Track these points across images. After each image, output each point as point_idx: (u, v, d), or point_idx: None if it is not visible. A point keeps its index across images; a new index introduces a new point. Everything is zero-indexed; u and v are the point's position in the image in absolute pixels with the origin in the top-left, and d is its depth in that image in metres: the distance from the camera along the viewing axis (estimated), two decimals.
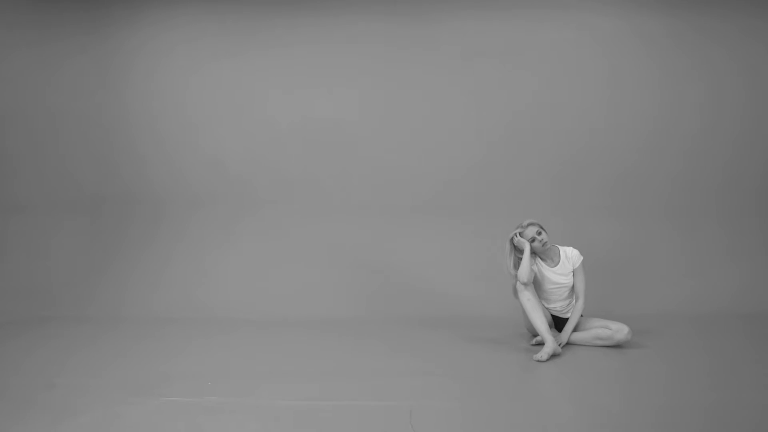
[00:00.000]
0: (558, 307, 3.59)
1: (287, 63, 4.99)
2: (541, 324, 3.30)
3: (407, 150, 4.99)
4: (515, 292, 3.45)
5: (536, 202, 4.86)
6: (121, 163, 5.06)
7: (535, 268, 3.53)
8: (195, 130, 5.03)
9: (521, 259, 3.45)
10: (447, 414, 2.39)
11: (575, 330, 3.52)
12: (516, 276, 3.43)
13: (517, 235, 3.50)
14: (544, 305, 3.60)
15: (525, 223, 3.52)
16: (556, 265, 3.54)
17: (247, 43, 4.99)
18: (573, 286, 3.54)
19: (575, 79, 4.91)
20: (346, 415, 2.38)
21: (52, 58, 5.04)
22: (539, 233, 3.46)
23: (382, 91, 4.99)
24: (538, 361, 3.15)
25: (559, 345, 3.40)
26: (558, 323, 3.62)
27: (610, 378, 2.91)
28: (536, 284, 3.59)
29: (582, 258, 3.54)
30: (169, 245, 4.96)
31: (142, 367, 3.10)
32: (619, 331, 3.37)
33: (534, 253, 3.53)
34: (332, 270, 4.82)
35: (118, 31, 5.03)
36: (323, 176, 5.01)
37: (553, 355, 3.22)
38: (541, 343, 3.49)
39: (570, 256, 3.54)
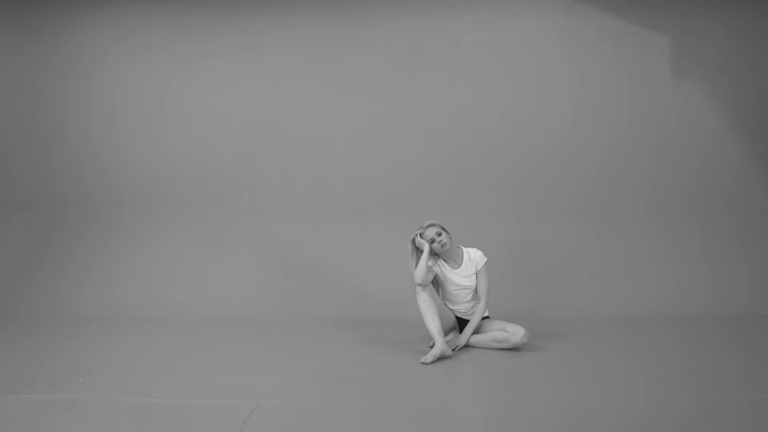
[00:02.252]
0: (462, 309, 3.55)
1: (233, 65, 5.02)
2: (433, 326, 3.26)
3: (353, 151, 4.98)
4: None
5: (493, 205, 4.85)
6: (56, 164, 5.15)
7: (436, 269, 3.49)
8: (152, 132, 5.08)
9: None
10: (293, 414, 2.37)
11: (477, 332, 3.47)
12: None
13: (418, 236, 3.46)
14: (449, 307, 3.56)
15: (426, 224, 3.48)
16: (458, 267, 3.50)
17: (194, 47, 5.03)
18: (477, 288, 3.50)
19: (535, 79, 4.87)
20: (188, 413, 2.37)
21: (17, 63, 5.13)
22: (439, 234, 3.42)
23: (327, 91, 4.99)
24: (422, 363, 3.11)
25: (456, 348, 3.36)
26: (463, 325, 3.57)
27: (489, 379, 2.87)
28: (441, 286, 3.55)
29: (486, 259, 3.50)
30: (103, 245, 5.01)
31: (28, 365, 3.13)
32: (515, 333, 3.31)
33: (437, 254, 3.49)
34: (270, 270, 4.82)
35: (74, 33, 5.11)
36: (268, 177, 5.02)
37: (442, 358, 3.18)
38: None
39: (473, 257, 3.50)
